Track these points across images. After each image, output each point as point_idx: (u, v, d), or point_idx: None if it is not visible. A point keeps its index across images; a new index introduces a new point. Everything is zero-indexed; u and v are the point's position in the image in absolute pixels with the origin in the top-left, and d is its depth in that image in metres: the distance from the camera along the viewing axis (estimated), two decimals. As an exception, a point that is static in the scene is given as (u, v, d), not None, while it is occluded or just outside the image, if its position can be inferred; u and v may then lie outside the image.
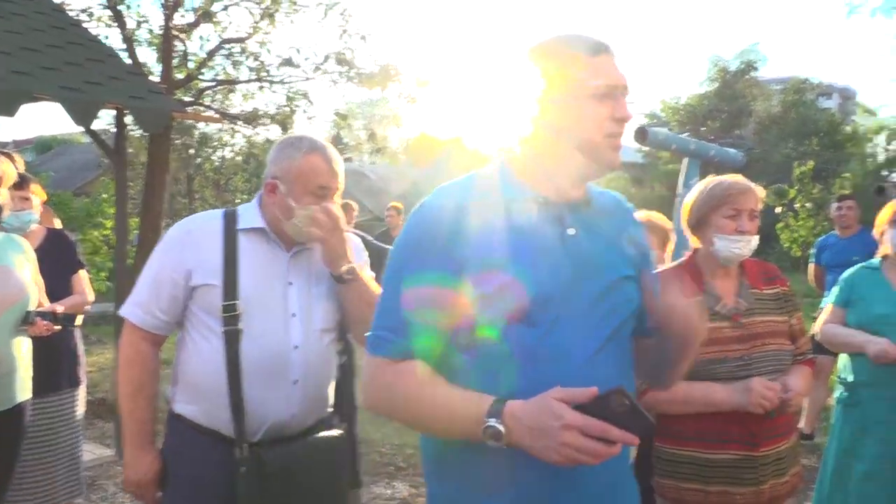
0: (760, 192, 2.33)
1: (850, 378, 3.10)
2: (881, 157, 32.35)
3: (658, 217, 3.24)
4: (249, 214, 2.07)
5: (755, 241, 2.29)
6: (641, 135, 4.15)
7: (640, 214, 3.28)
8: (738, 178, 2.34)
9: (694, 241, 2.40)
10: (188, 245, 2.02)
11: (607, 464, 1.34)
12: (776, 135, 34.00)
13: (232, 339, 1.95)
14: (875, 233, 3.21)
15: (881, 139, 32.53)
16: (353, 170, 34.12)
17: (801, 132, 33.66)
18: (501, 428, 1.24)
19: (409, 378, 1.38)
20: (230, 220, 2.05)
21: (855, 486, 2.98)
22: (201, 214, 2.20)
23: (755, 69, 35.33)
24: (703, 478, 2.19)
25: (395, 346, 1.39)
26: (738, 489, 2.17)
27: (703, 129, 33.08)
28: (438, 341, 1.39)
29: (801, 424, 5.65)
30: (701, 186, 2.38)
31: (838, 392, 3.20)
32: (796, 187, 6.07)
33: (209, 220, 2.09)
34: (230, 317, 1.95)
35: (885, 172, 31.17)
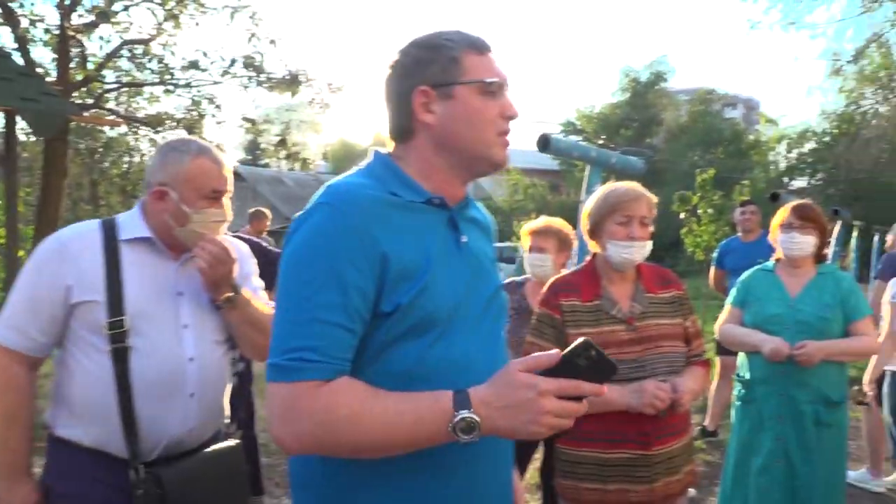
0: (653, 199, 2.40)
1: (747, 376, 3.23)
2: (782, 165, 34.18)
3: (558, 222, 3.37)
4: (132, 224, 1.95)
5: (648, 247, 2.35)
6: (543, 142, 4.23)
7: (541, 220, 3.41)
8: (631, 186, 2.38)
9: (593, 246, 2.45)
10: (66, 259, 1.87)
11: (506, 462, 1.41)
12: (685, 143, 35.45)
13: (120, 357, 1.83)
14: (770, 237, 3.36)
15: (782, 147, 34.36)
16: (270, 176, 33.58)
17: (708, 141, 35.22)
18: (476, 417, 1.17)
19: (349, 396, 1.22)
20: (109, 231, 1.92)
21: (753, 479, 3.10)
22: (75, 226, 2.01)
23: (664, 80, 36.80)
24: (602, 477, 2.24)
25: (323, 366, 1.22)
26: (634, 487, 2.23)
27: (616, 137, 34.13)
28: (352, 354, 1.28)
29: (706, 422, 5.86)
30: (597, 193, 2.43)
31: (737, 389, 3.33)
32: (699, 194, 6.36)
33: (85, 231, 1.94)
34: (117, 334, 1.83)
35: (786, 179, 32.94)
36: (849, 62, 13.78)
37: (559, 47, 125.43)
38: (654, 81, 36.13)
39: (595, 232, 2.40)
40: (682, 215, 6.43)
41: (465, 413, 1.17)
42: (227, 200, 2.01)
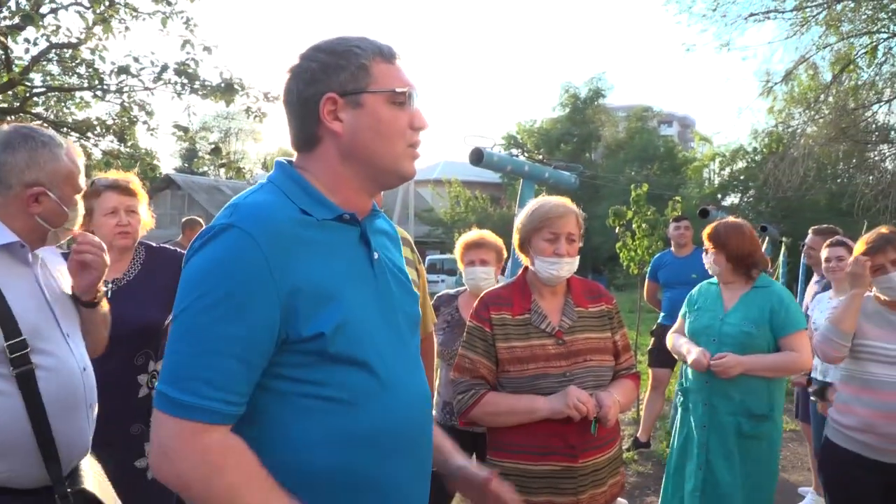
0: (581, 214, 2.42)
1: (685, 384, 3.35)
2: (716, 182, 35.29)
3: (490, 235, 3.37)
4: None
5: (575, 263, 2.37)
6: (477, 156, 4.26)
7: (476, 233, 3.41)
8: (559, 202, 2.40)
9: (525, 261, 2.46)
10: None
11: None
12: (622, 159, 36.29)
13: (26, 380, 1.70)
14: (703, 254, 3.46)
15: (715, 165, 35.48)
16: (207, 184, 32.90)
17: (644, 157, 36.17)
18: None
19: (239, 465, 1.18)
20: None
21: (686, 485, 3.20)
22: None
23: (603, 96, 37.63)
24: (528, 489, 2.24)
25: (217, 405, 1.17)
26: (559, 499, 2.24)
27: (556, 151, 34.69)
28: (250, 389, 1.23)
29: (639, 433, 5.97)
30: (527, 208, 2.44)
31: (677, 397, 3.46)
32: (633, 209, 6.49)
33: None
34: (19, 357, 1.68)
35: (719, 196, 34.03)
36: (776, 84, 14.32)
37: (503, 62, 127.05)
38: (593, 97, 36.90)
39: (524, 247, 2.41)
40: (616, 230, 6.54)
41: None
42: (78, 198, 1.95)
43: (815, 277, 4.97)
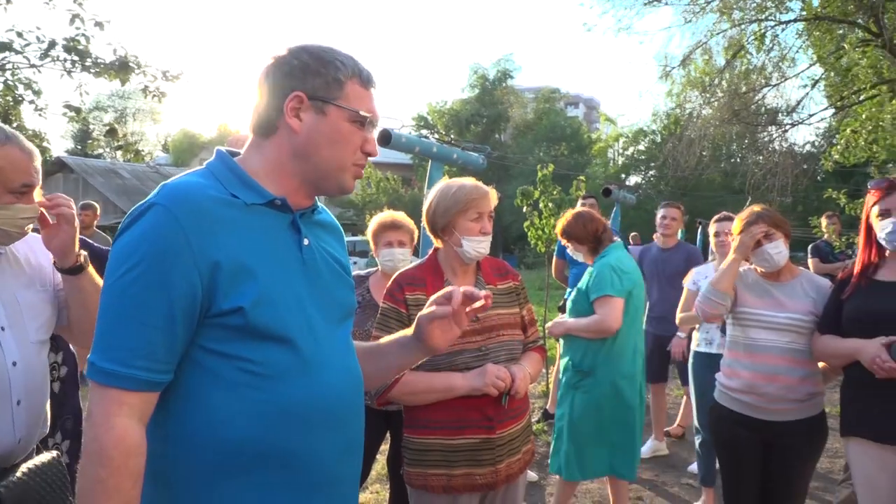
0: (495, 194, 2.50)
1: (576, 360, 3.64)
2: (619, 162, 36.54)
3: (404, 217, 3.39)
4: None
5: (490, 240, 2.46)
6: (384, 137, 4.28)
7: (389, 215, 3.42)
8: (477, 183, 2.48)
9: (436, 242, 2.51)
10: None
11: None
12: (530, 139, 37.01)
13: None
14: None
15: (619, 146, 36.72)
16: (103, 168, 31.33)
17: (552, 137, 37.02)
18: None
19: (122, 460, 1.22)
20: None
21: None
22: None
23: (511, 77, 38.17)
24: (448, 462, 2.32)
25: (139, 373, 1.24)
26: (479, 470, 2.33)
27: (466, 132, 34.98)
28: (175, 357, 1.29)
29: (548, 405, 6.19)
30: (441, 191, 2.48)
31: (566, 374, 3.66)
32: (539, 189, 6.67)
33: None
34: None
35: (623, 175, 35.27)
36: (674, 68, 14.93)
37: (413, 41, 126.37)
38: (501, 79, 37.35)
39: (446, 229, 2.44)
40: (524, 209, 6.68)
41: None
42: (37, 195, 1.88)
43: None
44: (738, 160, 22.87)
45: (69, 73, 6.03)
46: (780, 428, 2.88)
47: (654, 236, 6.18)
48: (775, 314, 2.92)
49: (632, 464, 3.65)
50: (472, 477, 2.32)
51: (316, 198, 1.52)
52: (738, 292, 3.06)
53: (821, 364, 2.94)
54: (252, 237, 1.33)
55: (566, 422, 3.60)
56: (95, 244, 2.78)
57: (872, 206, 2.72)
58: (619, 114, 52.65)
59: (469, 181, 2.49)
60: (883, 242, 2.67)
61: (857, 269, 2.79)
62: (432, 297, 1.61)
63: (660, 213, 5.72)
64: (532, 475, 4.82)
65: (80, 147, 41.87)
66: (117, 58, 5.90)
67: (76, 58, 5.75)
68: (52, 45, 5.60)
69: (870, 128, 8.02)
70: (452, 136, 34.62)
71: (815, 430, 2.92)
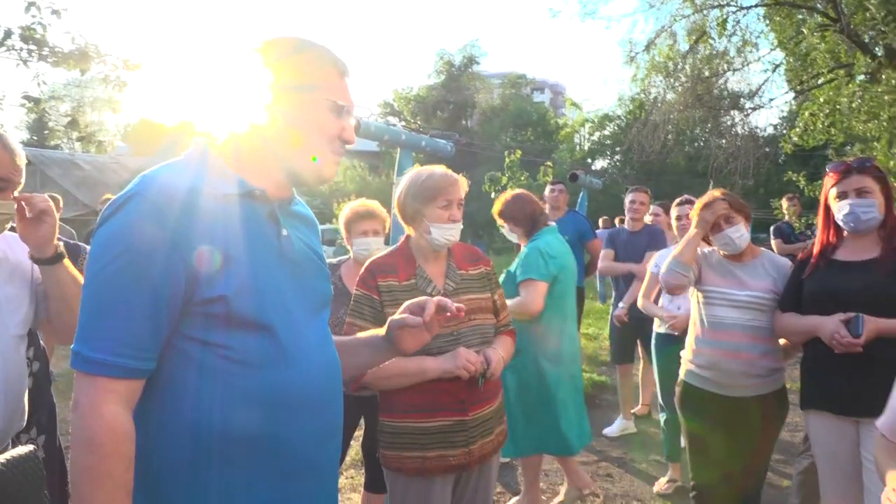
0: (465, 182, 2.53)
1: None
2: (586, 146, 36.80)
3: (377, 205, 3.40)
4: None
5: (461, 227, 2.49)
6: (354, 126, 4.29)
7: (361, 203, 3.44)
8: (446, 171, 2.51)
9: (408, 230, 2.54)
10: None
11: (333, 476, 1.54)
12: (497, 125, 37.07)
13: None
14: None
15: (585, 131, 36.98)
16: (61, 159, 30.58)
17: (518, 123, 37.11)
18: None
19: (111, 449, 1.25)
20: None
21: None
22: None
23: (477, 63, 38.11)
24: (422, 445, 2.36)
25: (123, 361, 1.26)
26: (452, 451, 2.37)
27: (433, 118, 34.90)
28: (158, 346, 1.31)
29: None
30: (411, 178, 2.51)
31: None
32: (507, 174, 6.74)
33: None
34: None
35: (589, 160, 35.55)
36: (637, 53, 15.06)
37: (380, 28, 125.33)
38: (467, 64, 37.28)
39: (415, 216, 2.47)
40: (492, 195, 6.74)
41: None
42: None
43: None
44: (702, 144, 23.21)
45: (25, 62, 5.86)
46: (743, 402, 2.98)
47: (617, 219, 6.30)
48: (737, 292, 3.01)
49: (563, 441, 3.76)
50: (445, 458, 2.37)
51: (293, 190, 1.54)
52: (702, 272, 3.15)
53: (782, 341, 3.04)
54: (232, 227, 1.36)
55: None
56: (63, 238, 2.76)
57: (830, 188, 2.81)
58: (585, 99, 53.00)
59: (439, 169, 2.51)
60: (840, 223, 2.77)
61: (816, 249, 2.88)
62: (406, 304, 1.64)
63: (628, 197, 5.80)
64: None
65: (35, 138, 40.80)
66: (76, 47, 5.75)
67: (33, 47, 5.59)
68: (8, 34, 5.43)
69: (827, 111, 8.21)
70: (419, 123, 34.54)
71: (776, 404, 3.02)
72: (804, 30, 10.33)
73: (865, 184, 2.70)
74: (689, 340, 3.23)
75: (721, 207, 3.05)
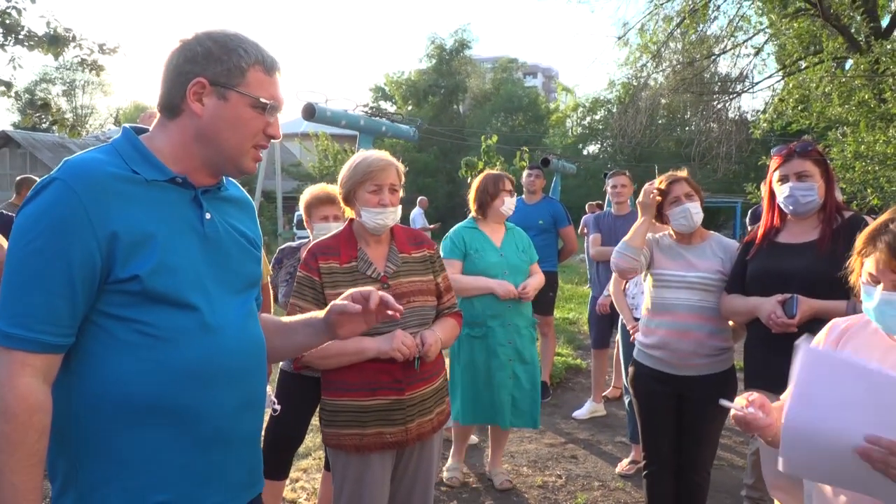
0: (401, 167, 2.58)
1: (475, 317, 3.94)
2: (577, 131, 36.69)
3: (333, 188, 3.42)
4: None
5: (397, 212, 2.54)
6: (309, 111, 4.30)
7: (320, 187, 3.47)
8: (379, 155, 2.54)
9: (349, 213, 2.58)
10: None
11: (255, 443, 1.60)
12: (488, 110, 36.91)
13: None
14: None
15: (576, 116, 36.82)
16: (51, 142, 30.49)
17: (509, 108, 36.96)
18: None
19: (24, 422, 1.30)
20: None
21: (487, 394, 4.01)
22: None
23: (469, 47, 37.82)
24: (360, 423, 2.43)
25: (49, 342, 1.32)
26: (390, 429, 2.44)
27: (424, 103, 34.74)
28: (75, 321, 1.37)
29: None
30: (349, 162, 2.56)
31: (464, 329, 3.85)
32: (483, 159, 6.78)
33: None
34: None
35: (580, 145, 35.47)
36: (627, 34, 15.02)
37: (371, 12, 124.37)
38: (459, 49, 37.01)
39: (349, 199, 2.53)
40: (469, 180, 6.77)
41: None
42: None
43: None
44: (692, 128, 23.22)
45: (2, 46, 5.87)
46: (692, 382, 3.05)
47: (594, 205, 6.33)
48: (686, 273, 3.08)
49: (467, 411, 4.02)
50: (382, 436, 2.43)
51: (224, 176, 1.59)
52: (654, 256, 3.21)
53: (731, 322, 3.10)
54: (151, 211, 1.41)
55: (530, 375, 4.12)
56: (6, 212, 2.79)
57: (773, 171, 2.85)
58: (576, 84, 52.82)
59: (374, 153, 2.55)
60: (781, 206, 2.82)
61: (760, 231, 2.93)
62: (351, 291, 1.67)
63: (609, 182, 5.83)
64: (473, 438, 4.97)
65: (23, 121, 40.53)
66: (50, 30, 5.74)
67: (6, 31, 5.58)
68: (-18, 19, 5.43)
69: (797, 96, 8.23)
70: (410, 107, 34.38)
71: (724, 383, 3.08)
72: (773, 15, 10.30)
73: (806, 168, 2.74)
74: (642, 322, 3.29)
75: (651, 188, 3.15)
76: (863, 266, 1.70)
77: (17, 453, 1.29)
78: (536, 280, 4.12)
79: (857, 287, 1.74)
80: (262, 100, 1.48)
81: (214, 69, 1.45)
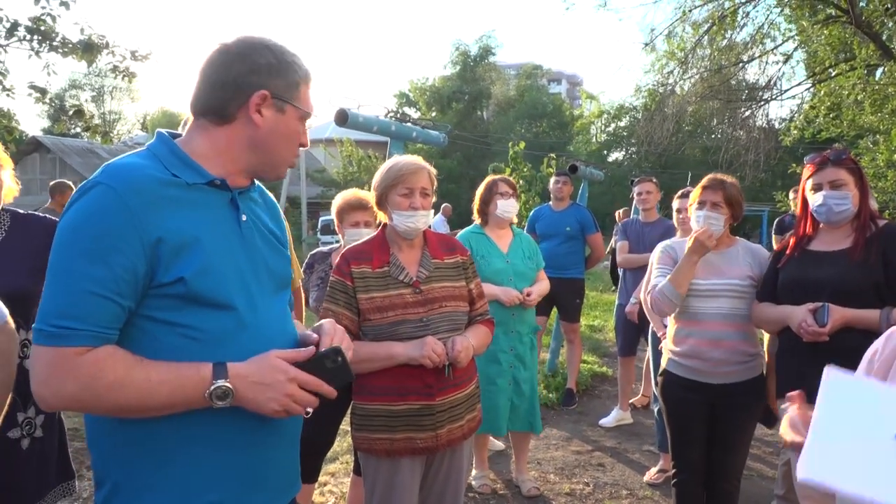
0: (433, 171, 2.62)
1: None
2: (602, 138, 36.61)
3: (367, 196, 3.44)
4: None
5: (429, 215, 2.56)
6: (341, 117, 4.35)
7: (352, 193, 3.49)
8: (411, 160, 2.57)
9: (382, 217, 2.61)
10: None
11: (293, 443, 1.64)
12: (512, 116, 36.96)
13: None
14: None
15: (601, 122, 36.75)
16: (81, 147, 31.03)
17: (533, 115, 36.98)
18: (230, 386, 1.37)
19: (114, 364, 1.33)
20: None
21: (500, 398, 4.01)
22: None
23: (493, 54, 37.94)
24: (391, 427, 2.44)
25: (86, 334, 1.32)
26: (419, 434, 2.45)
27: (448, 109, 34.84)
28: (118, 323, 1.38)
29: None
30: (382, 167, 2.59)
31: None
32: (511, 166, 6.79)
33: None
34: None
35: (605, 152, 35.35)
36: (654, 40, 14.93)
37: (397, 18, 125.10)
38: (483, 55, 37.11)
39: (381, 203, 2.56)
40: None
41: (221, 382, 1.37)
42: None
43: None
44: (719, 136, 23.02)
45: (37, 53, 5.98)
46: (723, 389, 3.02)
47: (622, 211, 6.31)
48: (716, 281, 3.05)
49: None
50: (413, 441, 2.44)
51: (254, 181, 1.63)
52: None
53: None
54: (193, 214, 1.44)
55: (530, 381, 4.16)
56: (48, 217, 2.85)
57: (806, 179, 2.83)
58: (601, 91, 52.61)
59: (406, 158, 2.59)
60: (815, 215, 2.80)
61: (793, 240, 2.91)
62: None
63: (635, 189, 5.80)
64: (499, 444, 4.97)
65: (56, 126, 41.29)
66: (84, 37, 5.84)
67: (40, 37, 5.69)
68: (16, 25, 5.52)
69: (828, 104, 8.13)
70: (434, 114, 34.50)
71: (754, 391, 3.06)
72: (804, 22, 10.18)
73: (840, 176, 2.72)
74: (670, 331, 3.27)
75: (710, 234, 2.99)
76: None
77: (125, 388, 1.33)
78: (541, 286, 4.11)
79: None
80: (309, 112, 1.55)
81: (276, 83, 1.50)
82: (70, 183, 7.62)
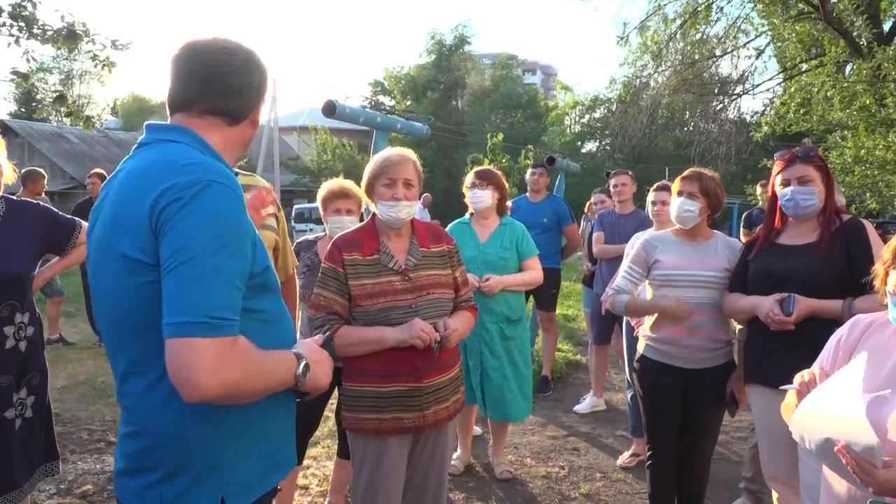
0: (418, 162, 2.70)
1: None
2: (576, 129, 36.80)
3: (352, 185, 3.52)
4: None
5: (413, 206, 2.65)
6: (329, 108, 4.41)
7: (337, 182, 3.57)
8: (396, 151, 2.67)
9: (373, 207, 2.69)
10: None
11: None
12: (487, 106, 37.02)
13: None
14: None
15: (575, 114, 36.92)
16: (50, 132, 30.46)
17: (508, 105, 37.08)
18: (309, 364, 1.59)
19: (253, 350, 1.44)
20: None
21: (472, 379, 4.15)
22: None
23: (468, 43, 37.82)
24: (379, 407, 2.55)
25: (236, 324, 1.39)
26: (407, 414, 2.55)
27: (423, 98, 34.78)
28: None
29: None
30: (371, 159, 2.68)
31: None
32: (489, 157, 6.87)
33: None
34: None
35: (579, 143, 35.56)
36: (628, 35, 15.09)
37: (372, 6, 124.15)
38: (458, 45, 37.03)
39: (369, 194, 2.66)
40: (473, 177, 6.84)
41: (305, 362, 1.58)
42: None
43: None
44: (691, 129, 23.35)
45: (17, 40, 5.89)
46: (695, 374, 3.17)
47: (594, 203, 6.44)
48: (697, 272, 3.18)
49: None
50: (400, 421, 2.55)
51: None
52: (659, 258, 3.30)
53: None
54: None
55: (506, 372, 4.19)
56: (61, 213, 2.90)
57: (776, 175, 2.97)
58: (576, 83, 52.83)
59: (393, 151, 2.68)
60: (783, 209, 2.93)
61: (762, 233, 3.05)
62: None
63: (611, 181, 5.92)
64: (476, 429, 5.09)
65: (24, 110, 40.47)
66: (65, 25, 5.78)
67: (22, 24, 5.61)
68: (-1, 12, 5.46)
69: (798, 100, 8.33)
70: (409, 103, 34.41)
71: (725, 375, 3.21)
72: (775, 19, 10.39)
73: (807, 172, 2.85)
74: (648, 318, 3.40)
75: (687, 311, 3.15)
76: (888, 275, 1.84)
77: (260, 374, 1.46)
78: (511, 277, 4.10)
79: (882, 292, 1.88)
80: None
81: (264, 81, 1.69)
82: (41, 171, 7.48)
